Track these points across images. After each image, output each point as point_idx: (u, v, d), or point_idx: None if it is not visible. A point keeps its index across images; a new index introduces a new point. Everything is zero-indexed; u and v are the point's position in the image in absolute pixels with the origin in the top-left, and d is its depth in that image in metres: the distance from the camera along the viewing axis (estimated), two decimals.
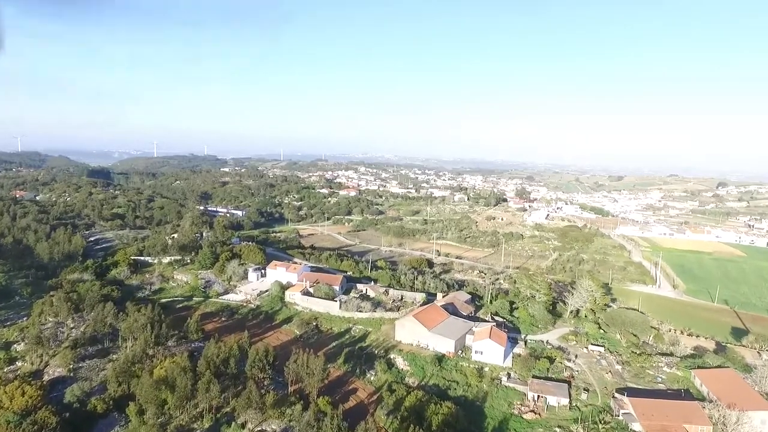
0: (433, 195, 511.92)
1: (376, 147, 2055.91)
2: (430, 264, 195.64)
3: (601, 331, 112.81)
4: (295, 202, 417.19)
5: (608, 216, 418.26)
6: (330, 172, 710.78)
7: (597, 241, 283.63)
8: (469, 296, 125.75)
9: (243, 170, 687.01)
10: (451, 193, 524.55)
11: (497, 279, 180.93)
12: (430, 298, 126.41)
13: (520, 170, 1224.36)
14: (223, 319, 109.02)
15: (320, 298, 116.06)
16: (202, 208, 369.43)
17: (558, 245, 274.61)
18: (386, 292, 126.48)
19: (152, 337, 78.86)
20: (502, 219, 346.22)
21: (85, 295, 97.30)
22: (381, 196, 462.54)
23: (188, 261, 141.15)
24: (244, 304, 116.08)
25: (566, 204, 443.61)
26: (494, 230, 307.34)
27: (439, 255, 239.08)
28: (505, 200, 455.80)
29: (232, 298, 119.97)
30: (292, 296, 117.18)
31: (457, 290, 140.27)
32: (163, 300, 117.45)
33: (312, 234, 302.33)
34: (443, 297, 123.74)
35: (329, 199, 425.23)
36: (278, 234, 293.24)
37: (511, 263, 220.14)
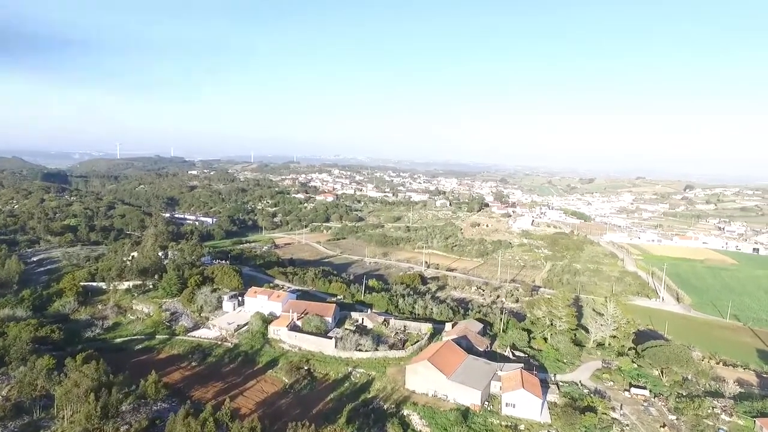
0: (411, 199, 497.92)
1: (348, 148, 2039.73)
2: (423, 280, 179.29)
3: (634, 365, 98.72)
4: (270, 208, 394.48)
5: (590, 221, 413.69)
6: (303, 175, 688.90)
7: (587, 249, 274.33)
8: (481, 325, 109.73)
9: (212, 173, 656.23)
10: (430, 197, 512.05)
11: (497, 296, 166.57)
12: (437, 326, 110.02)
13: (492, 172, 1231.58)
14: (193, 364, 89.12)
15: (310, 333, 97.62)
16: (168, 215, 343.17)
17: (549, 254, 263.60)
18: (386, 322, 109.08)
19: (97, 409, 59.11)
20: (487, 225, 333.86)
21: (12, 342, 75.90)
22: (359, 201, 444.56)
23: (150, 287, 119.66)
24: (219, 343, 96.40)
25: (549, 209, 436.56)
26: (481, 238, 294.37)
27: (428, 267, 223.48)
28: (486, 205, 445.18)
29: (204, 334, 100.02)
30: (277, 332, 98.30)
31: (463, 315, 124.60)
32: (118, 340, 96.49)
33: (289, 243, 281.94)
34: (453, 327, 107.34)
35: (305, 204, 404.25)
36: (252, 244, 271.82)
37: (507, 276, 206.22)
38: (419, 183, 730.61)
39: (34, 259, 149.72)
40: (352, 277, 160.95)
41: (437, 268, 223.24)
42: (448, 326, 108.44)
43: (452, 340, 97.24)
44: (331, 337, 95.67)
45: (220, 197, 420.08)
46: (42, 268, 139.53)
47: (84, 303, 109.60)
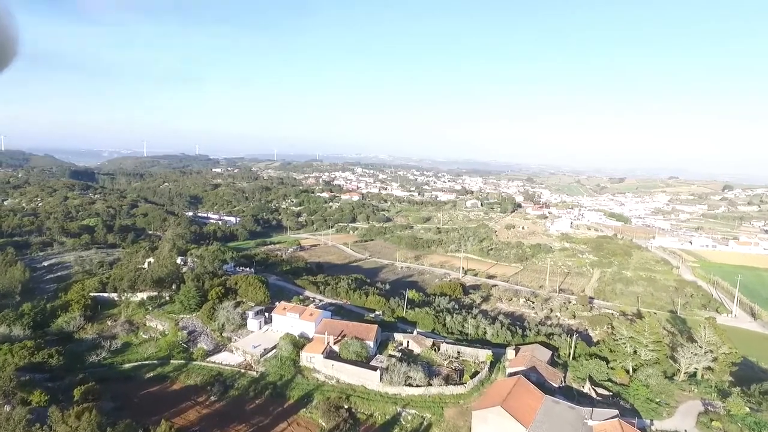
0: (438, 198, 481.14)
1: (370, 147, 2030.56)
2: (465, 289, 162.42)
3: (746, 408, 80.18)
4: (294, 208, 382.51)
5: (630, 223, 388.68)
6: (326, 174, 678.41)
7: (636, 255, 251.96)
8: (549, 352, 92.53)
9: (236, 171, 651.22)
10: (458, 197, 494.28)
11: (550, 310, 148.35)
12: (496, 352, 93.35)
13: (516, 171, 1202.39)
14: (212, 398, 74.72)
15: (350, 362, 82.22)
16: (191, 214, 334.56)
17: (594, 260, 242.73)
18: (435, 347, 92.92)
19: None
20: (523, 228, 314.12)
21: None
22: (386, 201, 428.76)
23: (166, 299, 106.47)
24: (243, 371, 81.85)
25: (587, 210, 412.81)
26: (518, 241, 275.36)
27: (465, 273, 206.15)
28: (519, 206, 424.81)
29: (226, 359, 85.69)
30: (311, 359, 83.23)
31: (521, 336, 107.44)
32: (127, 365, 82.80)
33: (315, 245, 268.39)
34: (516, 354, 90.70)
35: (330, 204, 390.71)
36: (277, 246, 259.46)
37: (552, 284, 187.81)
38: (444, 182, 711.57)
39: (45, 264, 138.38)
40: (387, 287, 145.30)
41: (476, 275, 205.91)
42: (509, 352, 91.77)
43: (518, 370, 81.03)
44: (374, 368, 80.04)
45: (244, 196, 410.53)
46: (52, 275, 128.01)
47: (92, 318, 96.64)
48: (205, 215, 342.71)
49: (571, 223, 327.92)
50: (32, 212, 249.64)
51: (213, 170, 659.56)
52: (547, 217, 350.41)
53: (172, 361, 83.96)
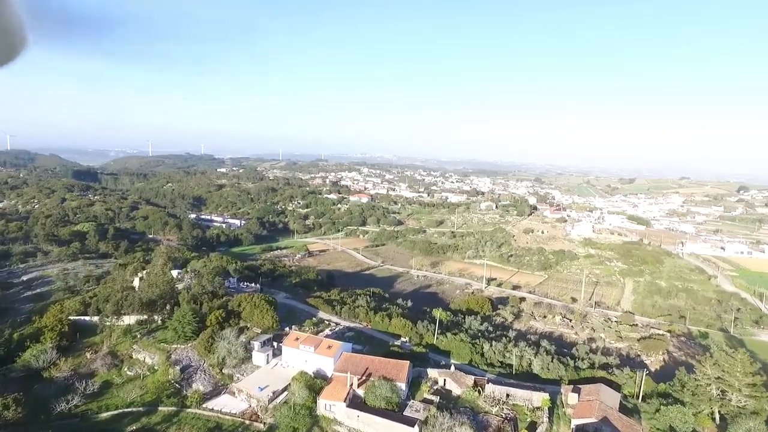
0: (448, 200, 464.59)
1: (374, 147, 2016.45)
2: (493, 305, 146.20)
3: None
4: (301, 210, 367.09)
5: (649, 225, 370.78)
6: (333, 174, 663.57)
7: (667, 262, 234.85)
8: (618, 395, 76.44)
9: (241, 171, 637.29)
10: (468, 198, 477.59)
11: (592, 329, 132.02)
12: (550, 390, 77.34)
13: (523, 171, 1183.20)
14: None
15: (379, 412, 66.34)
16: (194, 216, 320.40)
17: (623, 267, 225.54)
18: (479, 387, 76.99)
19: None
20: (542, 232, 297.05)
21: None
22: (396, 203, 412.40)
23: (158, 323, 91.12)
24: (247, 422, 66.28)
25: (607, 212, 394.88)
26: (539, 247, 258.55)
27: (488, 284, 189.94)
28: (535, 208, 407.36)
29: (227, 405, 70.13)
30: (331, 408, 67.54)
31: (574, 368, 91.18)
32: (105, 415, 67.25)
33: (324, 250, 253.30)
34: (578, 398, 74.62)
35: (339, 206, 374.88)
36: (284, 251, 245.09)
37: (583, 295, 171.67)
38: (452, 182, 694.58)
39: (24, 278, 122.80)
40: (409, 304, 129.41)
41: (499, 285, 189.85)
42: (570, 396, 75.60)
43: (591, 426, 65.22)
44: (411, 421, 64.19)
45: (249, 197, 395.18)
46: (30, 292, 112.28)
47: (67, 350, 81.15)
48: (209, 217, 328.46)
49: (593, 227, 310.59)
50: (26, 215, 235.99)
51: (218, 170, 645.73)
52: (566, 221, 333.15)
53: (160, 408, 68.40)
